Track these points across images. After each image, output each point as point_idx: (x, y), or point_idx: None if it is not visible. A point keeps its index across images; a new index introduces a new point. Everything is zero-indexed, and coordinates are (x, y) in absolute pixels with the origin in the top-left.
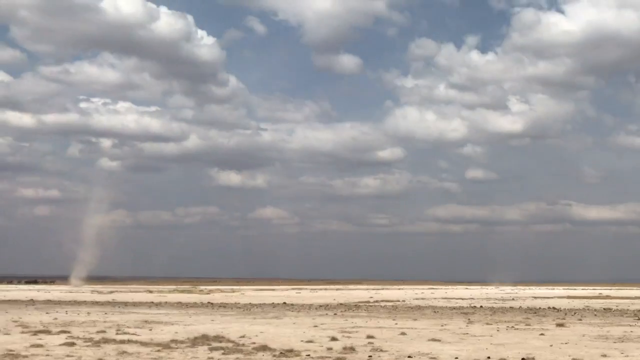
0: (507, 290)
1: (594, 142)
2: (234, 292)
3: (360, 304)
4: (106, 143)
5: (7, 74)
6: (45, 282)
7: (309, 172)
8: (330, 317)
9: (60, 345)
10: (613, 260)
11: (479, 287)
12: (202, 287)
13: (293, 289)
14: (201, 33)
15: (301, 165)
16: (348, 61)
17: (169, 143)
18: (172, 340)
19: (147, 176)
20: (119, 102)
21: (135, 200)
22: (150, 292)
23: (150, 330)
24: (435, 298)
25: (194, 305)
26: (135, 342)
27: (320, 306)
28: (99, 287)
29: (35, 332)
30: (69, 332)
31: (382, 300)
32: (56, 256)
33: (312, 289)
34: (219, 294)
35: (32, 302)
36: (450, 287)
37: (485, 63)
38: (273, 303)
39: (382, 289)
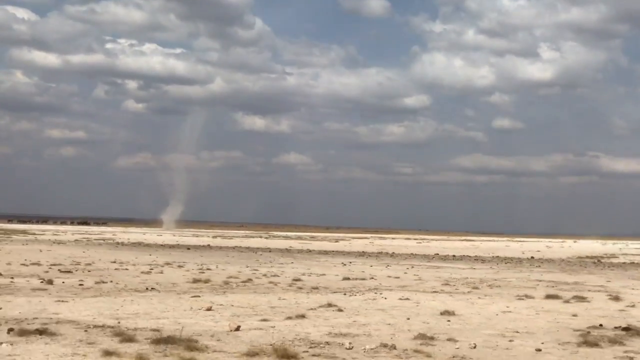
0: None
1: (626, 93)
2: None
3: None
4: (132, 85)
5: (33, 13)
6: (97, 224)
7: (333, 118)
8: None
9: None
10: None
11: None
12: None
13: (380, 237)
14: None
15: (326, 111)
16: (376, 4)
17: (194, 86)
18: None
19: (172, 119)
20: (145, 43)
21: (159, 142)
22: (275, 237)
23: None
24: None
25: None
26: None
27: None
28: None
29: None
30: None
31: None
32: (82, 197)
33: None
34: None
35: (208, 247)
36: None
37: (517, 8)
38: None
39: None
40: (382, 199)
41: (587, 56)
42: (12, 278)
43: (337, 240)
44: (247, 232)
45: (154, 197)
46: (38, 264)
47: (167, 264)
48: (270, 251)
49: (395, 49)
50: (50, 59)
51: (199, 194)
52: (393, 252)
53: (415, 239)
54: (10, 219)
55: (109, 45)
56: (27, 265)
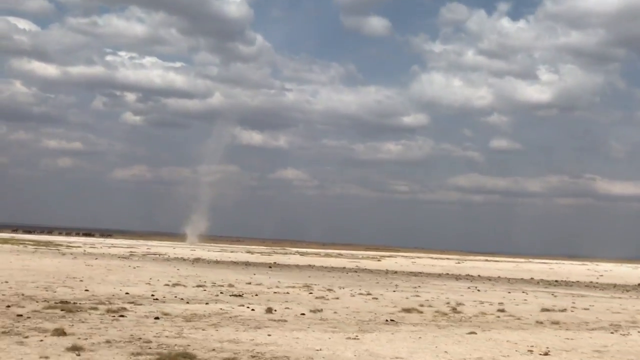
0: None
1: (623, 116)
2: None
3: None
4: (130, 97)
5: (35, 24)
6: (102, 235)
7: (331, 135)
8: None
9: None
10: (637, 236)
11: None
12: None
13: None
14: None
15: (323, 128)
16: (377, 23)
17: (193, 99)
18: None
19: (170, 132)
20: (145, 56)
21: (156, 155)
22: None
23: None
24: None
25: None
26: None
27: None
28: (228, 246)
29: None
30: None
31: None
32: (80, 209)
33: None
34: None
35: (246, 263)
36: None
37: (516, 30)
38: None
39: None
40: (377, 216)
41: (585, 79)
42: (207, 303)
43: (379, 259)
44: (275, 247)
45: (152, 210)
46: (180, 284)
47: (306, 286)
48: (355, 272)
49: (395, 68)
50: (49, 70)
51: (223, 208)
52: (479, 275)
53: (443, 259)
54: (15, 228)
55: (109, 58)
56: (171, 286)
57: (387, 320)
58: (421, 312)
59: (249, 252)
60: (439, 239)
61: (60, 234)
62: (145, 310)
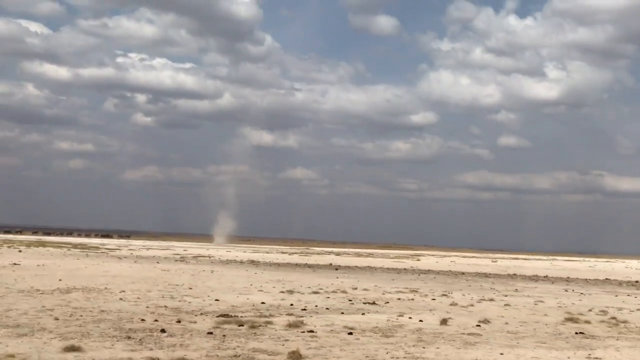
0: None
1: (631, 113)
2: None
3: None
4: (141, 98)
5: (47, 27)
6: (120, 236)
7: (340, 134)
8: None
9: None
10: None
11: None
12: (382, 251)
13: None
14: None
15: (333, 127)
16: (385, 22)
17: (203, 100)
18: None
19: (180, 133)
20: (156, 58)
21: (167, 156)
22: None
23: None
24: None
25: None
26: None
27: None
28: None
29: None
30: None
31: None
32: (92, 210)
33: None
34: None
35: (294, 265)
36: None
37: (524, 28)
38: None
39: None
40: (387, 214)
41: (593, 76)
42: (363, 314)
43: (418, 259)
44: (297, 247)
45: (165, 210)
46: (294, 290)
47: (413, 291)
48: (424, 274)
49: (403, 66)
50: (61, 72)
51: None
52: (569, 277)
53: (476, 257)
54: (35, 230)
55: (119, 59)
56: (287, 292)
57: (576, 333)
58: (588, 322)
59: (282, 252)
60: (447, 237)
61: (79, 235)
62: (318, 323)
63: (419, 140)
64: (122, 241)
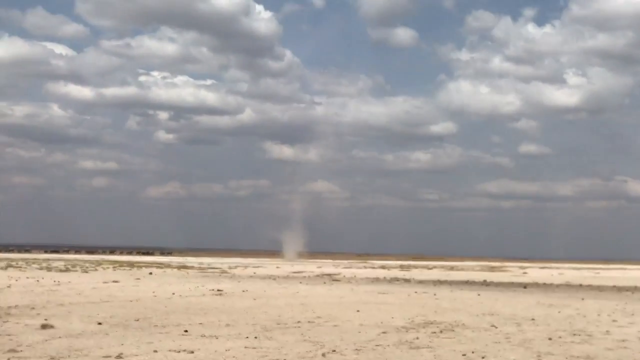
0: None
1: None
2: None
3: None
4: (163, 116)
5: (71, 49)
6: (162, 254)
7: (360, 146)
8: None
9: None
10: None
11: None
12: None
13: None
14: (259, 7)
15: (353, 139)
16: (404, 34)
17: (224, 116)
18: None
19: (202, 149)
20: (177, 75)
21: (189, 172)
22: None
23: None
24: None
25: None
26: None
27: None
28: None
29: None
30: None
31: None
32: (116, 227)
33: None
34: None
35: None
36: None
37: (542, 35)
38: None
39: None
40: (408, 225)
41: (613, 81)
42: None
43: (525, 271)
44: (358, 261)
45: (192, 227)
46: (526, 318)
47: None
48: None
49: (422, 77)
50: (85, 92)
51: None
52: None
53: (579, 269)
54: (66, 249)
55: (142, 78)
56: (517, 324)
57: None
58: None
59: (383, 267)
60: (469, 246)
61: (121, 253)
62: None
63: (439, 151)
64: (172, 258)
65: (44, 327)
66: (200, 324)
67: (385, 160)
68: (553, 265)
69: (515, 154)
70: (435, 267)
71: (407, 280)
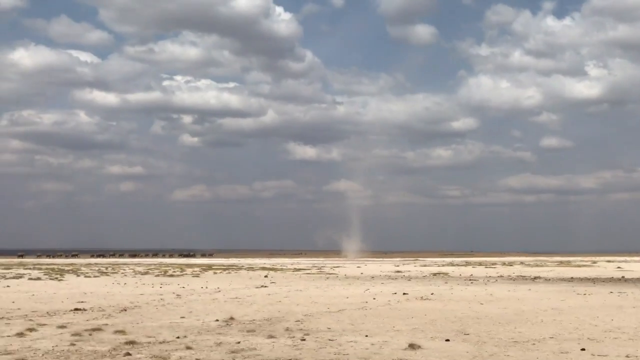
0: None
1: None
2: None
3: None
4: (187, 119)
5: (96, 56)
6: (203, 255)
7: (382, 145)
8: None
9: None
10: None
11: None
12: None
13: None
14: (278, 9)
15: (374, 138)
16: (423, 31)
17: (247, 118)
18: None
19: (226, 151)
20: (200, 79)
21: (213, 175)
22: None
23: None
24: None
25: None
26: None
27: None
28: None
29: None
30: None
31: None
32: (144, 231)
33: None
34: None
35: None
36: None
37: (562, 28)
38: None
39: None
40: (430, 222)
41: (635, 72)
42: None
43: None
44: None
45: (221, 228)
46: None
47: None
48: None
49: (442, 74)
50: (109, 99)
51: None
52: None
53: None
54: (100, 253)
55: (165, 83)
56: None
57: None
58: None
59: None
60: (493, 242)
61: (164, 256)
62: None
63: (460, 147)
64: (222, 260)
65: (411, 346)
66: (551, 337)
67: (406, 158)
68: (600, 258)
69: (537, 148)
70: (513, 263)
71: (547, 280)
